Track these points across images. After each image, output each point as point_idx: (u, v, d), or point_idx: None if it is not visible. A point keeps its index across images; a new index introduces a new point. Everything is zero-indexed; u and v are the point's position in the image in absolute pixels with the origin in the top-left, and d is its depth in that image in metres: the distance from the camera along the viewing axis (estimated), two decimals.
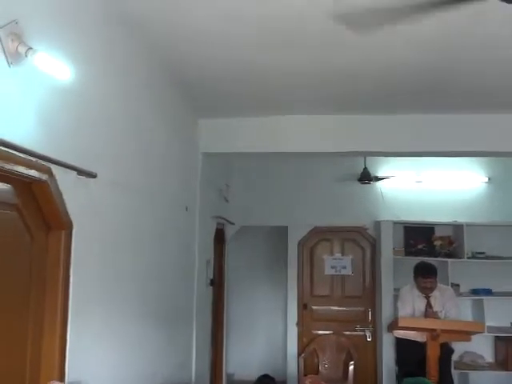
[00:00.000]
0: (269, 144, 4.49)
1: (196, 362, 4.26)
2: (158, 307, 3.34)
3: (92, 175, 2.12)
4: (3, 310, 1.71)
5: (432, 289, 4.60)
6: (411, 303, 4.64)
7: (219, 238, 5.93)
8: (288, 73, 3.40)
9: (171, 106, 3.74)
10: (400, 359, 4.80)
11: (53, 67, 1.68)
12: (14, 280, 1.78)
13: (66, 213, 1.97)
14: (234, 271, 6.72)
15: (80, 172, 2.05)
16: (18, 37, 1.55)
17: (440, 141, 4.30)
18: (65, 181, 1.95)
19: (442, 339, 4.18)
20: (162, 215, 3.45)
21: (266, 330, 6.71)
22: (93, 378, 2.21)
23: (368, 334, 5.99)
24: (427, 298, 4.64)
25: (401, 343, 4.75)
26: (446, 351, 4.51)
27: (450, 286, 4.93)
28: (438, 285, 4.66)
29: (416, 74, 3.37)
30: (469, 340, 4.39)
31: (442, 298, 4.64)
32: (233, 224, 6.14)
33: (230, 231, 6.20)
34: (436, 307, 4.60)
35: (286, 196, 6.17)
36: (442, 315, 4.55)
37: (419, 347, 4.25)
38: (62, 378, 1.92)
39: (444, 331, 4.09)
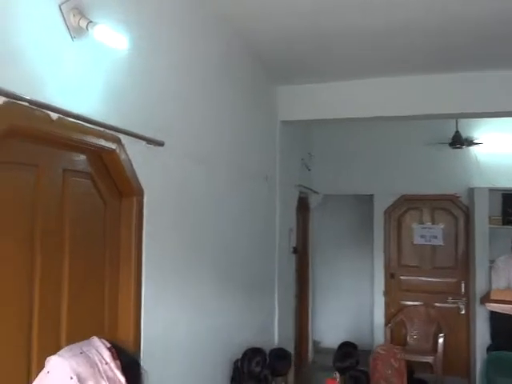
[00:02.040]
0: (349, 109, 4.36)
1: (279, 327, 4.35)
2: (236, 274, 3.44)
3: (160, 144, 2.20)
4: (82, 270, 1.86)
5: None
6: (507, 275, 4.35)
7: (303, 206, 5.92)
8: (363, 34, 3.24)
9: (247, 74, 3.75)
10: (493, 333, 4.53)
11: (112, 39, 1.74)
12: (91, 243, 1.92)
13: (137, 180, 2.07)
14: (319, 240, 6.71)
15: (149, 141, 2.14)
16: (79, 11, 1.63)
17: None
18: (134, 150, 2.05)
19: None
20: (240, 184, 3.51)
21: (353, 298, 6.64)
22: (169, 335, 2.35)
23: (461, 306, 5.70)
24: None
25: (494, 316, 4.48)
26: None
27: None
28: None
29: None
30: None
31: None
32: (316, 193, 6.10)
33: (314, 200, 6.16)
34: None
35: (371, 163, 5.98)
36: None
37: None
38: (137, 333, 2.06)
39: None
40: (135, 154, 2.05)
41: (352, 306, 6.64)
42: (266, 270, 4.17)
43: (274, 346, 3.98)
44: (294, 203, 5.15)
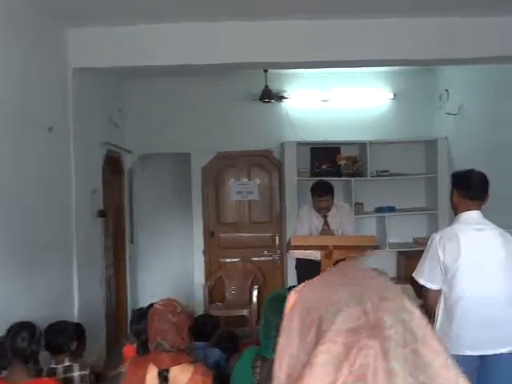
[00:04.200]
0: (152, 56, 4.01)
1: (80, 298, 3.95)
2: (17, 242, 2.97)
3: None
4: None
5: (328, 208, 4.47)
6: (309, 223, 4.52)
7: (115, 167, 5.51)
8: None
9: (26, 14, 3.18)
10: (300, 279, 4.72)
11: None
12: None
13: None
14: (142, 203, 6.38)
15: None
16: None
17: (340, 48, 3.99)
18: None
19: (337, 256, 4.08)
20: (15, 133, 3.00)
21: (176, 260, 6.48)
22: None
23: (276, 258, 5.91)
24: (324, 217, 4.53)
25: (299, 263, 4.66)
26: None
27: (347, 204, 4.82)
28: (336, 203, 4.54)
29: None
30: (366, 255, 4.35)
31: (339, 216, 4.54)
32: (130, 152, 5.72)
33: (128, 160, 5.77)
34: (333, 225, 4.50)
35: (186, 120, 5.76)
36: (338, 233, 4.47)
37: (317, 266, 4.16)
38: None
39: (337, 247, 3.98)
40: None
41: (175, 268, 6.47)
42: (59, 235, 3.72)
43: (72, 319, 3.60)
44: (98, 162, 4.70)
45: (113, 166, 5.44)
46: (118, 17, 3.76)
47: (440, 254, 2.48)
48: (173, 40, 3.97)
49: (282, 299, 2.21)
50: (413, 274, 2.65)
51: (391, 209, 5.71)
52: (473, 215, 2.52)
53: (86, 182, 4.26)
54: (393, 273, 5.89)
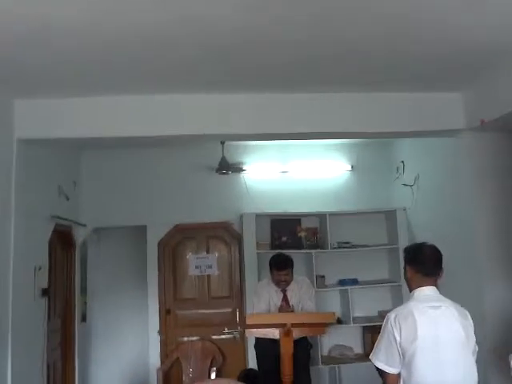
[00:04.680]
0: (100, 128, 3.93)
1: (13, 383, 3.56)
2: None
3: None
4: None
5: (288, 282, 4.29)
6: (267, 298, 4.31)
7: (66, 241, 5.24)
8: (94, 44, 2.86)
9: None
10: (258, 359, 4.43)
11: None
12: None
13: None
14: (93, 277, 6.07)
15: None
16: None
17: (294, 121, 4.02)
18: None
19: (296, 334, 3.86)
20: None
21: (131, 340, 6.07)
22: None
23: (237, 335, 5.59)
24: (284, 291, 4.33)
25: (258, 342, 4.40)
26: (304, 347, 4.22)
27: (306, 277, 4.64)
28: (295, 276, 4.37)
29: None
30: (323, 332, 4.15)
31: (299, 291, 4.35)
32: (84, 225, 5.48)
33: (80, 234, 5.52)
34: (292, 300, 4.31)
35: (142, 192, 5.62)
36: (298, 308, 4.27)
37: (276, 345, 3.91)
38: None
39: (295, 325, 3.77)
40: None
41: (129, 350, 6.05)
42: None
43: None
44: (45, 237, 4.44)
45: (63, 240, 5.18)
46: (66, 88, 3.69)
47: (396, 335, 2.31)
48: (124, 112, 3.91)
49: None
50: (370, 357, 2.46)
51: (354, 281, 5.56)
52: (427, 292, 2.39)
53: (29, 259, 3.99)
54: (359, 349, 5.65)
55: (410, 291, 2.48)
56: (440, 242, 4.45)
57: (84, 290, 6.02)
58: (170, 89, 3.81)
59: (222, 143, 5.24)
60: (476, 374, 2.32)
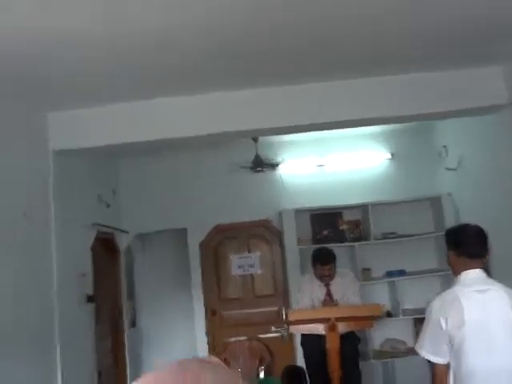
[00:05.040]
0: (132, 132, 3.95)
1: None
2: None
3: None
4: None
5: (331, 276, 4.18)
6: (310, 294, 4.21)
7: (109, 247, 5.34)
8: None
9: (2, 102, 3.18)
10: (306, 356, 4.33)
11: None
12: None
13: None
14: (140, 281, 6.16)
15: None
16: None
17: (335, 110, 3.88)
18: None
19: (342, 329, 3.74)
20: None
21: (180, 345, 6.10)
22: None
23: (284, 333, 5.50)
24: (327, 286, 4.22)
25: (304, 338, 4.31)
26: (351, 341, 4.09)
27: (350, 271, 4.51)
28: (338, 270, 4.25)
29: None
30: (371, 326, 4.00)
31: (342, 285, 4.22)
32: (126, 232, 5.56)
33: (123, 240, 5.60)
34: (336, 295, 4.18)
35: (180, 195, 5.66)
36: (342, 303, 4.14)
37: (322, 340, 3.81)
38: None
39: (340, 319, 3.66)
40: None
41: (179, 354, 6.08)
42: (39, 326, 3.47)
43: None
44: (87, 244, 4.53)
45: (107, 247, 5.27)
46: (97, 97, 3.74)
47: (442, 323, 2.17)
48: (153, 115, 3.91)
49: None
50: (415, 347, 2.33)
51: (401, 272, 5.37)
52: (473, 275, 2.23)
53: (72, 266, 4.07)
54: (411, 342, 5.42)
55: (456, 277, 2.33)
56: (488, 225, 4.25)
57: (132, 296, 6.12)
58: (197, 89, 3.78)
59: (255, 140, 5.18)
60: None
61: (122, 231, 5.50)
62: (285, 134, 4.96)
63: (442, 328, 2.17)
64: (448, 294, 2.24)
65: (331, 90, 3.88)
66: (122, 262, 5.60)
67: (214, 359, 0.83)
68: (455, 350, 2.16)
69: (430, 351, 2.22)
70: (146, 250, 6.26)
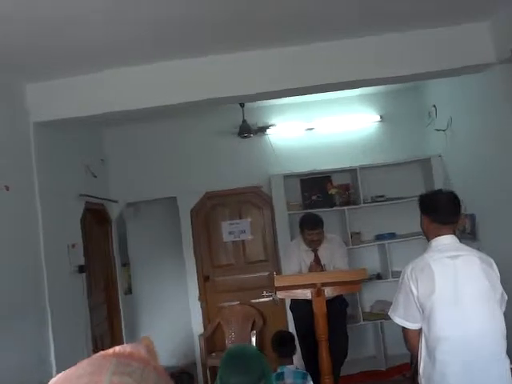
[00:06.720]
0: (115, 102, 3.88)
1: (57, 361, 3.71)
2: None
3: None
4: None
5: (319, 241, 4.21)
6: (297, 259, 4.25)
7: (100, 218, 5.36)
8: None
9: None
10: (295, 320, 4.41)
11: None
12: None
13: None
14: (134, 250, 6.23)
15: None
16: None
17: (322, 72, 3.79)
18: None
19: (328, 293, 3.78)
20: None
21: (175, 310, 6.21)
22: None
23: (276, 298, 5.59)
24: (314, 251, 4.25)
25: (293, 303, 4.38)
26: (339, 305, 4.15)
27: (336, 235, 4.53)
28: (325, 235, 4.27)
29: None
30: (359, 289, 4.05)
31: (330, 250, 4.26)
32: (115, 202, 5.57)
33: (114, 210, 5.62)
34: (324, 259, 4.22)
35: (169, 163, 5.64)
36: (330, 267, 4.18)
37: (311, 305, 3.86)
38: None
39: (327, 284, 3.69)
40: None
41: (174, 319, 6.20)
42: (30, 298, 3.52)
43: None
44: (76, 215, 4.54)
45: (97, 217, 5.30)
46: (77, 66, 3.66)
47: (413, 289, 2.19)
48: (136, 83, 3.83)
49: (239, 357, 1.93)
50: (388, 313, 2.36)
51: (392, 235, 5.40)
52: (445, 241, 2.24)
53: (61, 238, 4.09)
54: None
55: (428, 242, 2.34)
56: (479, 187, 4.23)
57: (127, 264, 6.20)
58: (183, 53, 3.69)
59: (242, 106, 5.11)
60: (504, 326, 2.17)
61: (111, 201, 5.51)
62: (271, 98, 4.87)
63: (413, 294, 2.19)
64: (420, 261, 2.26)
65: (317, 52, 3.78)
66: (114, 231, 5.63)
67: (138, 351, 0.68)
68: (426, 316, 2.19)
69: (403, 316, 2.26)
70: (139, 218, 6.29)
